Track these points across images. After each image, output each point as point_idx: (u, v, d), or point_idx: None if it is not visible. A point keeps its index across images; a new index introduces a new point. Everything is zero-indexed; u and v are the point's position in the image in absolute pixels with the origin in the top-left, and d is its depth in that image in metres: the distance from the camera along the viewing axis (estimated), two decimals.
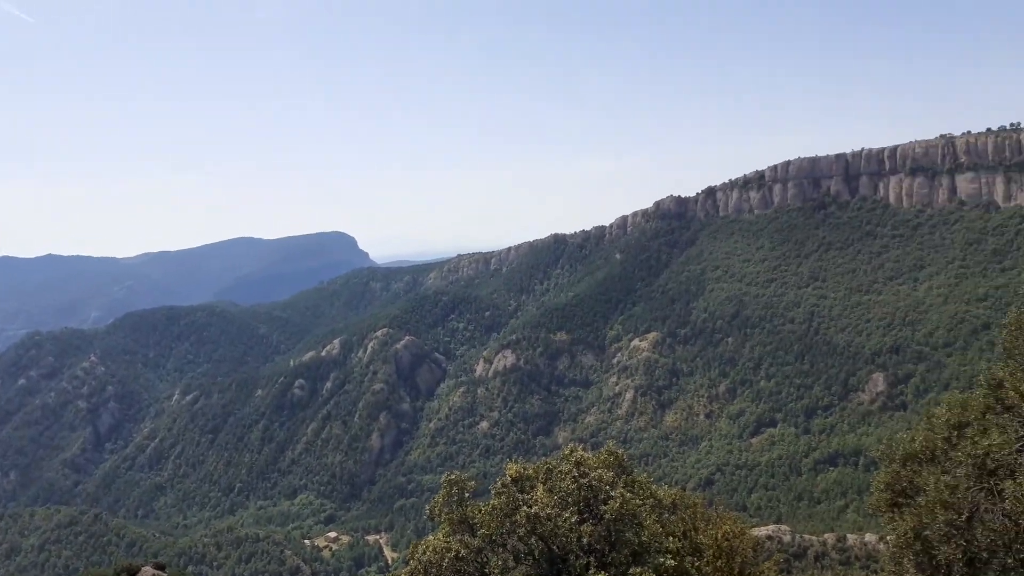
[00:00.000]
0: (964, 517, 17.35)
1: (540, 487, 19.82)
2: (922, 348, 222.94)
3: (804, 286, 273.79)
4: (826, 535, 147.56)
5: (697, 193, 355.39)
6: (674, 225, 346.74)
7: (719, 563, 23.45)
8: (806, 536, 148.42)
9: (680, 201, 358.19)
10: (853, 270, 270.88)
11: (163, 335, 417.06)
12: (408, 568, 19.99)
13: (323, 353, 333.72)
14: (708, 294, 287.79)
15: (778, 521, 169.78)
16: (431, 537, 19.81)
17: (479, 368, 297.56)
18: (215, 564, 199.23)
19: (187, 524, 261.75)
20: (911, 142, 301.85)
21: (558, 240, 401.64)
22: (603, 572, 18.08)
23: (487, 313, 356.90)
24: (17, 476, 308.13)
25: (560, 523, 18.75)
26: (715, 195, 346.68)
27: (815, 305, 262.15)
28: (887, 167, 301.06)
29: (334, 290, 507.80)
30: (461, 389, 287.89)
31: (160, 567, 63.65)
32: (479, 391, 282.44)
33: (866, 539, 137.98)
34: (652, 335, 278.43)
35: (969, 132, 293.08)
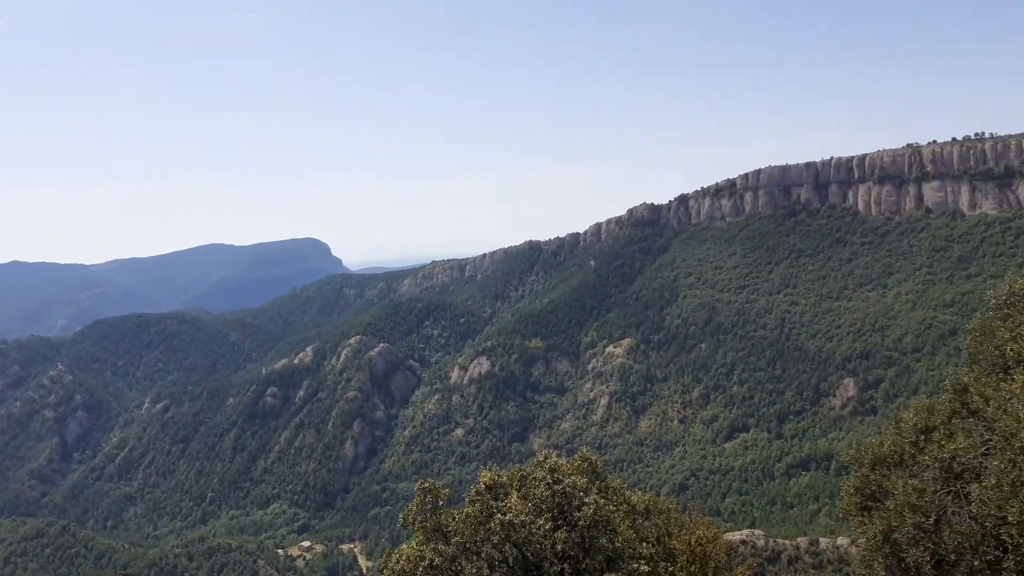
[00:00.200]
0: (932, 520, 17.58)
1: (514, 494, 19.79)
2: (891, 353, 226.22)
3: (775, 293, 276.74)
4: (799, 539, 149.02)
5: (670, 201, 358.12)
6: (647, 232, 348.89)
7: (693, 568, 23.56)
8: (779, 540, 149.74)
9: (653, 209, 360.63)
10: (823, 277, 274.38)
11: (133, 343, 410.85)
12: None
13: (296, 361, 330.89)
14: (681, 301, 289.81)
15: (752, 526, 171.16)
16: (405, 546, 19.70)
17: (454, 375, 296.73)
18: (186, 575, 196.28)
19: (158, 535, 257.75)
20: (879, 151, 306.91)
21: (533, 247, 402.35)
22: None
23: (462, 320, 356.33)
24: None
25: (534, 530, 18.73)
26: (687, 203, 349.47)
27: (786, 311, 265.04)
28: (856, 175, 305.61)
29: (307, 297, 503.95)
30: (436, 396, 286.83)
31: None
32: (454, 398, 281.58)
33: (838, 542, 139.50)
34: (626, 341, 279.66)
35: (935, 141, 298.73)
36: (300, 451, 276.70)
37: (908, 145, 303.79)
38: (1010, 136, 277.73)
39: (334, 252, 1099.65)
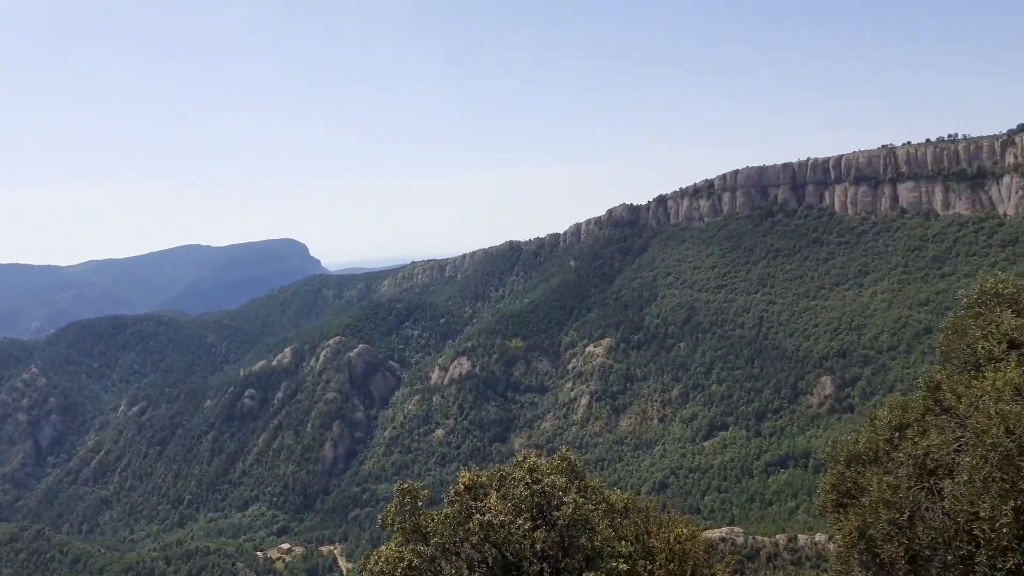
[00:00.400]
0: (906, 516, 17.80)
1: (493, 494, 19.78)
2: (868, 352, 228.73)
3: (753, 292, 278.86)
4: (778, 536, 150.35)
5: (649, 201, 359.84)
6: (626, 232, 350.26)
7: (672, 566, 23.67)
8: (758, 537, 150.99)
9: (632, 209, 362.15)
10: (800, 276, 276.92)
11: (108, 345, 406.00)
12: None
13: (274, 362, 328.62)
14: (660, 300, 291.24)
15: (731, 523, 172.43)
16: (384, 547, 19.62)
17: (434, 375, 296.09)
18: None
19: (134, 539, 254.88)
20: (855, 152, 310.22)
21: (513, 247, 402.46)
22: None
23: (442, 320, 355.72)
24: None
25: (513, 530, 18.74)
26: (666, 203, 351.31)
27: (764, 310, 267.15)
28: (832, 176, 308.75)
29: (285, 298, 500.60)
30: (416, 397, 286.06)
31: None
32: (434, 399, 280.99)
33: (816, 539, 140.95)
34: (606, 341, 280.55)
35: (909, 143, 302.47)
36: (279, 453, 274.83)
37: (883, 146, 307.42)
38: (982, 137, 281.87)
39: (312, 253, 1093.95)
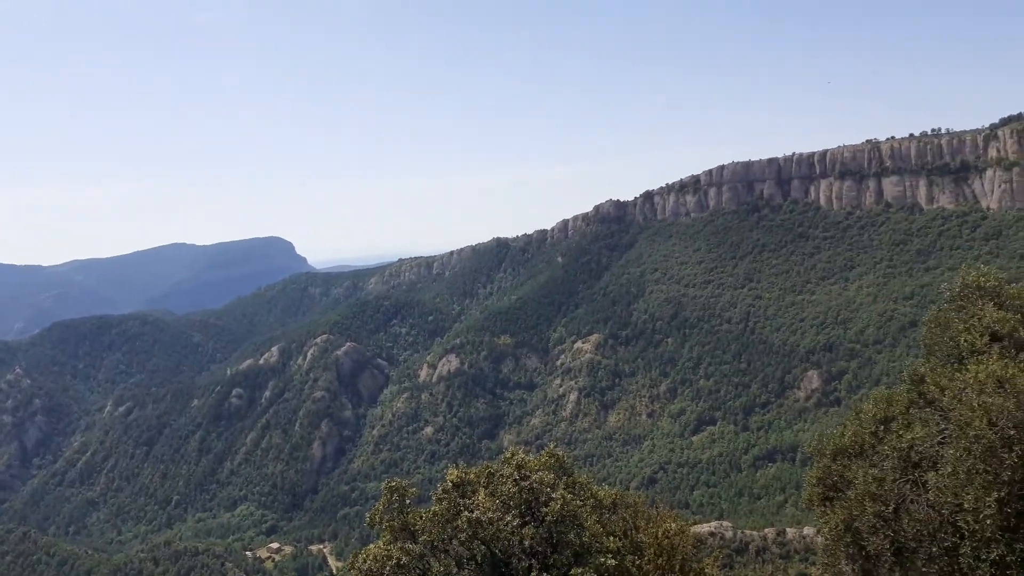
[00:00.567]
0: (891, 508, 17.94)
1: (481, 491, 19.77)
2: (854, 346, 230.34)
3: (740, 287, 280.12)
4: (766, 530, 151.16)
5: (635, 197, 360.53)
6: (613, 229, 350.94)
7: (660, 561, 23.75)
8: (747, 531, 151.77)
9: (619, 205, 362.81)
10: (787, 271, 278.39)
11: (93, 345, 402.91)
12: None
13: (261, 361, 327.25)
14: (648, 296, 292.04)
15: (720, 517, 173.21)
16: (372, 545, 19.58)
17: (423, 373, 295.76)
18: None
19: (122, 540, 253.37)
20: (839, 147, 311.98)
21: (500, 244, 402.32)
22: (545, 574, 18.15)
23: (430, 318, 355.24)
24: None
25: (502, 527, 18.74)
26: (653, 199, 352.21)
27: (751, 305, 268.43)
28: (817, 171, 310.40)
29: (271, 296, 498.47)
30: (405, 395, 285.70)
31: None
32: (423, 396, 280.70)
33: (804, 532, 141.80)
34: (594, 337, 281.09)
35: (893, 137, 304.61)
36: (267, 452, 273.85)
37: (867, 141, 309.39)
38: (965, 132, 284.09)
39: (299, 251, 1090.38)
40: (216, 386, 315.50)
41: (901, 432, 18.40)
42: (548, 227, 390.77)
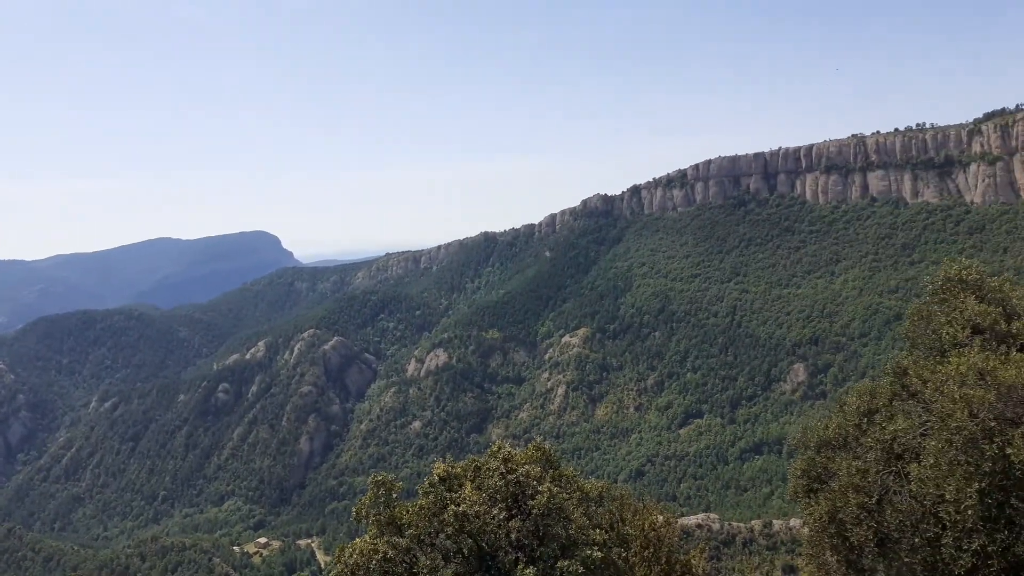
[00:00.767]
0: (875, 500, 18.10)
1: (468, 485, 19.76)
2: (839, 339, 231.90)
3: (727, 281, 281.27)
4: (753, 522, 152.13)
5: (623, 192, 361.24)
6: (601, 223, 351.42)
7: (646, 553, 23.88)
8: (734, 523, 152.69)
9: (607, 199, 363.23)
10: (773, 265, 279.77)
11: (78, 340, 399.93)
12: (335, 572, 19.67)
13: (248, 356, 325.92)
14: (635, 290, 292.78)
15: (707, 510, 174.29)
16: (358, 540, 19.53)
17: (411, 368, 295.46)
18: (139, 575, 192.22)
19: (108, 536, 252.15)
20: (825, 141, 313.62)
21: (488, 238, 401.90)
22: (532, 567, 18.16)
23: (418, 312, 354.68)
24: None
25: (488, 520, 18.75)
26: (640, 193, 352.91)
27: (737, 299, 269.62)
28: (803, 165, 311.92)
29: (258, 291, 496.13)
30: (392, 389, 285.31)
31: None
32: (411, 391, 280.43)
33: (791, 524, 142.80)
34: (582, 331, 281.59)
35: (878, 132, 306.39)
36: (254, 447, 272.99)
37: (853, 135, 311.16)
38: (949, 126, 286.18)
39: (285, 245, 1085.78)
40: (202, 381, 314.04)
41: (884, 424, 18.56)
42: (536, 221, 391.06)
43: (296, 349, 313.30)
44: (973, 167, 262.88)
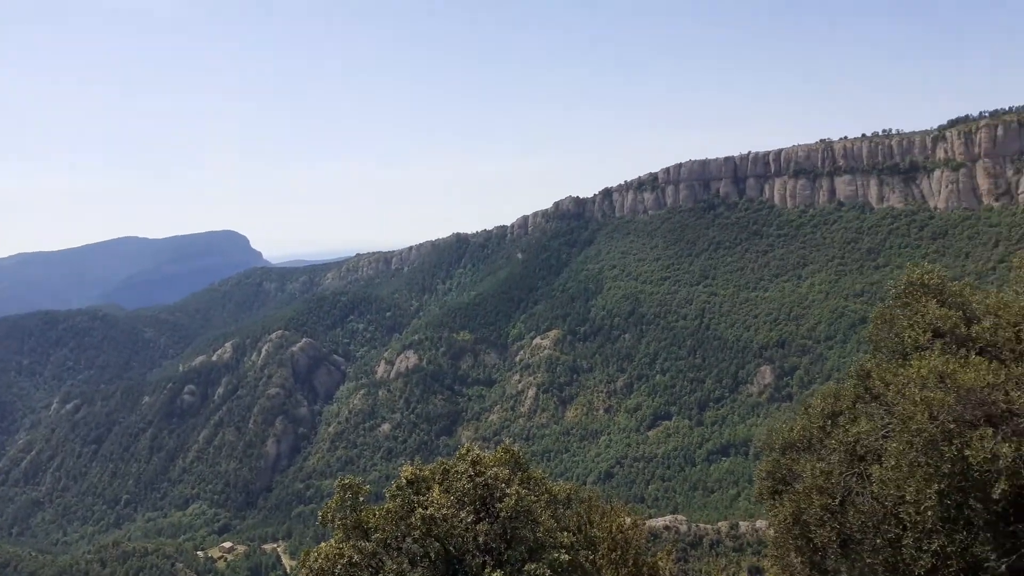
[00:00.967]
0: (838, 501, 18.31)
1: (436, 488, 19.64)
2: (806, 342, 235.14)
3: (696, 284, 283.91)
4: (720, 523, 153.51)
5: (594, 194, 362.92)
6: (573, 225, 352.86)
7: (614, 555, 23.92)
8: (701, 525, 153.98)
9: (578, 202, 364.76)
10: (741, 268, 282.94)
11: (39, 341, 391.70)
12: None
13: (214, 357, 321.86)
14: (606, 292, 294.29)
15: (675, 511, 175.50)
16: (324, 544, 19.33)
17: (380, 369, 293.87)
18: None
19: (68, 541, 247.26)
20: (794, 146, 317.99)
21: (460, 240, 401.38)
22: (499, 571, 18.10)
23: (388, 313, 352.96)
24: None
25: (456, 523, 18.65)
26: (612, 196, 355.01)
27: (706, 302, 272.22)
28: (772, 169, 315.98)
29: (225, 291, 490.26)
30: (361, 391, 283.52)
31: None
32: (380, 393, 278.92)
33: (757, 525, 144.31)
34: (553, 333, 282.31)
35: (846, 137, 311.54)
36: (220, 450, 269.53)
37: (821, 140, 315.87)
38: (914, 132, 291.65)
39: (254, 245, 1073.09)
40: (168, 383, 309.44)
41: (848, 426, 18.79)
42: (508, 223, 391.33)
43: (264, 350, 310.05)
44: (937, 173, 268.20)
